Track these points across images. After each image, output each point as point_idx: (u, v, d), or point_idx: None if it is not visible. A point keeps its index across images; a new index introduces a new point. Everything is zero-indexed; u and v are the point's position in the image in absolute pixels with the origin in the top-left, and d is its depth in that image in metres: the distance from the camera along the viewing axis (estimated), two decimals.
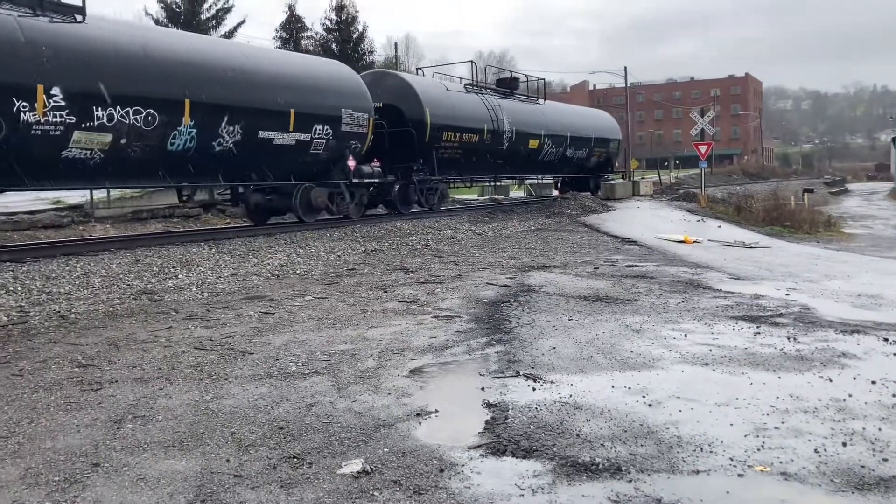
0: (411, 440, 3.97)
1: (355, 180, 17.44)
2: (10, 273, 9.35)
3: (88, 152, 11.58)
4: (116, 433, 4.10)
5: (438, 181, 21.18)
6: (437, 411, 4.45)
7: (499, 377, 5.17)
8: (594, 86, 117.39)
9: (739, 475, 3.48)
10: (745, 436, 3.98)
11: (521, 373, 5.26)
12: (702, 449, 3.80)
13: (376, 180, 18.39)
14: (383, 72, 22.79)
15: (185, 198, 15.62)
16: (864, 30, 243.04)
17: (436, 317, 7.38)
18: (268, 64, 15.54)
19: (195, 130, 13.21)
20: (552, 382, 5.02)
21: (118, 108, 11.79)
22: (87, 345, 6.27)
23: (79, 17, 11.69)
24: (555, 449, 3.81)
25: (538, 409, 4.46)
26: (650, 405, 4.52)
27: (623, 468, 3.55)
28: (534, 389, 4.87)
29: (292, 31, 41.05)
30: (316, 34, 42.41)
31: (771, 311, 7.64)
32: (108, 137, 11.75)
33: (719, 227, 20.57)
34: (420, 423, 4.24)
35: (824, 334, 6.50)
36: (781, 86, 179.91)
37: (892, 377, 5.06)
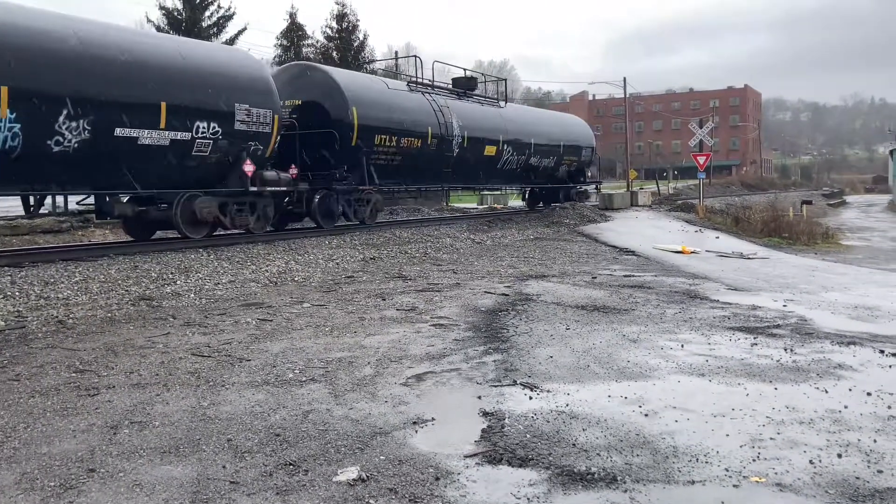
0: (407, 448, 3.97)
1: (253, 189, 14.88)
2: (9, 278, 9.36)
3: None
4: (113, 439, 4.10)
5: (371, 191, 18.56)
6: (433, 419, 4.45)
7: (496, 386, 5.18)
8: (594, 96, 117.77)
9: (735, 486, 3.48)
10: (741, 446, 3.99)
11: (517, 382, 5.26)
12: (697, 459, 3.80)
13: (283, 188, 15.77)
14: (307, 65, 19.75)
15: (31, 208, 12.83)
16: (862, 43, 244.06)
17: (434, 325, 7.39)
18: (130, 45, 12.81)
19: (18, 125, 10.86)
20: (549, 391, 5.03)
21: None
22: (84, 350, 6.28)
23: None
24: (551, 458, 3.81)
25: (534, 418, 4.46)
26: (646, 415, 4.52)
27: (619, 478, 3.56)
28: (530, 398, 4.88)
29: (293, 38, 41.18)
30: (317, 42, 42.54)
31: (768, 322, 7.65)
32: None
33: (717, 237, 20.60)
34: (416, 431, 4.24)
35: (821, 346, 6.51)
36: (780, 97, 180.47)
37: (887, 389, 5.07)
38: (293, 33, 41.46)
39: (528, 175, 26.26)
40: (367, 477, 3.56)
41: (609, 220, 24.67)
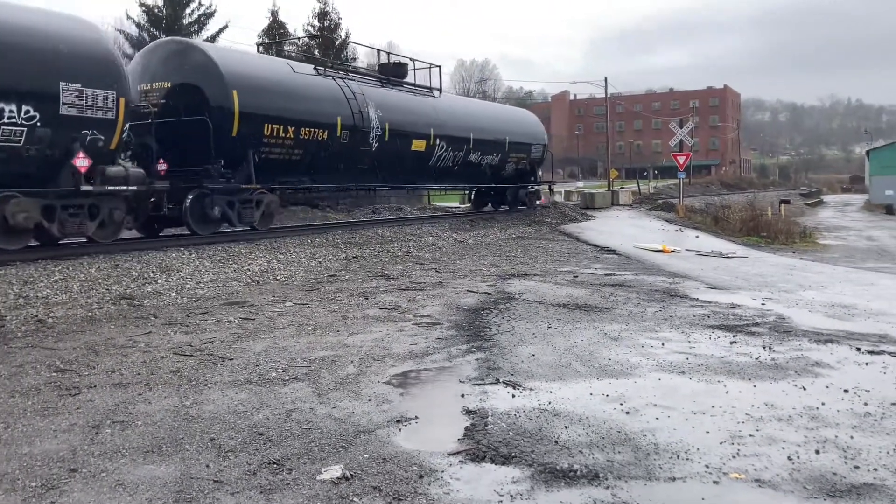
0: (391, 446, 3.99)
1: (86, 188, 11.96)
2: None
3: None
4: (95, 438, 4.08)
5: (262, 192, 15.55)
6: (417, 418, 4.47)
7: (479, 384, 5.21)
8: (575, 96, 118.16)
9: (715, 482, 3.53)
10: (721, 443, 4.04)
11: (500, 380, 5.30)
12: (678, 456, 3.85)
13: (131, 188, 12.80)
14: (182, 41, 16.44)
15: None
16: (839, 43, 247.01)
17: (417, 324, 7.40)
18: None
19: None
20: (531, 389, 5.07)
21: None
22: (65, 349, 6.23)
23: None
24: (533, 455, 3.85)
25: (517, 415, 4.49)
26: (628, 412, 4.57)
27: (601, 475, 3.59)
28: (513, 396, 4.91)
29: (274, 36, 40.93)
30: (298, 40, 42.33)
31: (747, 321, 7.75)
32: None
33: (697, 237, 20.78)
34: (400, 430, 4.26)
35: (798, 343, 6.60)
36: (759, 98, 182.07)
37: (863, 386, 5.15)
38: (274, 31, 41.23)
39: (468, 174, 23.61)
40: (351, 475, 3.57)
41: (590, 219, 24.81)
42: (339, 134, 17.04)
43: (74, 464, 3.72)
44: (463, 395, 4.94)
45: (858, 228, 34.78)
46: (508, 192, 25.95)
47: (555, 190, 31.73)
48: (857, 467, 3.71)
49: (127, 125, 12.95)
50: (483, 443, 4.03)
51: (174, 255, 11.94)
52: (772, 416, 4.52)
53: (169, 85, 14.74)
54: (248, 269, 11.26)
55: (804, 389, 5.10)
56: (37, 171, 11.58)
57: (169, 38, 15.90)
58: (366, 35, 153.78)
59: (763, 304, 8.97)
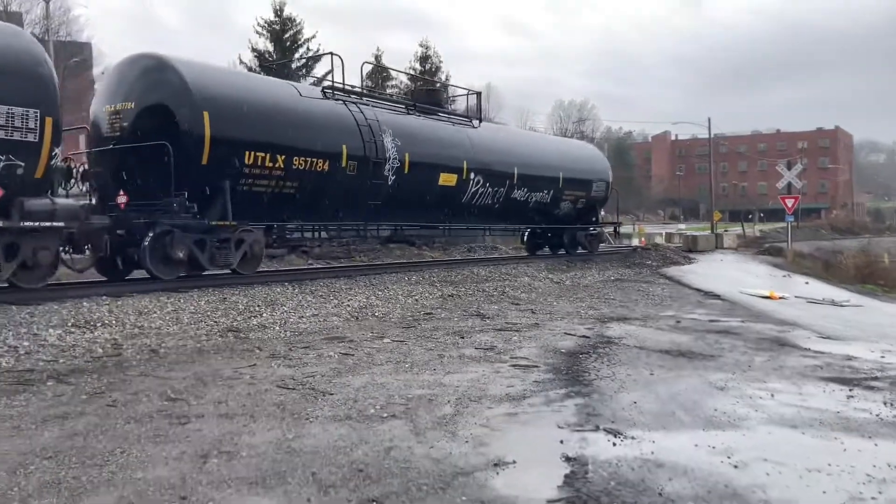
0: (489, 490, 3.94)
1: (2, 224, 10.45)
2: (107, 307, 9.79)
3: None
4: (202, 468, 4.22)
5: (245, 230, 13.59)
6: (514, 462, 4.41)
7: (578, 430, 5.10)
8: (676, 136, 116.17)
9: None
10: None
11: (601, 427, 5.17)
12: None
13: (56, 225, 11.00)
14: (151, 55, 13.59)
15: None
16: None
17: (513, 365, 7.35)
18: None
19: None
20: (633, 438, 4.92)
21: None
22: (175, 379, 6.50)
23: None
24: None
25: (619, 464, 4.37)
26: (735, 466, 4.37)
27: None
28: (614, 444, 4.78)
29: (378, 80, 42.23)
30: (400, 83, 43.54)
31: (864, 374, 7.31)
32: None
33: (807, 283, 19.86)
34: (498, 473, 4.21)
35: None
36: (874, 139, 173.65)
37: None
38: (378, 75, 42.56)
39: (512, 213, 21.21)
40: None
41: (693, 262, 24.14)
42: (344, 164, 15.05)
43: (184, 491, 3.84)
44: (562, 441, 4.84)
45: None
46: (566, 235, 23.82)
47: (620, 232, 29.01)
48: None
49: (55, 150, 11.42)
50: (583, 491, 3.93)
51: (278, 289, 12.34)
52: None
53: (132, 105, 13.03)
54: (348, 305, 11.49)
55: None
56: None
57: (140, 52, 13.76)
58: (466, 78, 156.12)
59: (882, 356, 8.45)
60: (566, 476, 4.19)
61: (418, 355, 7.83)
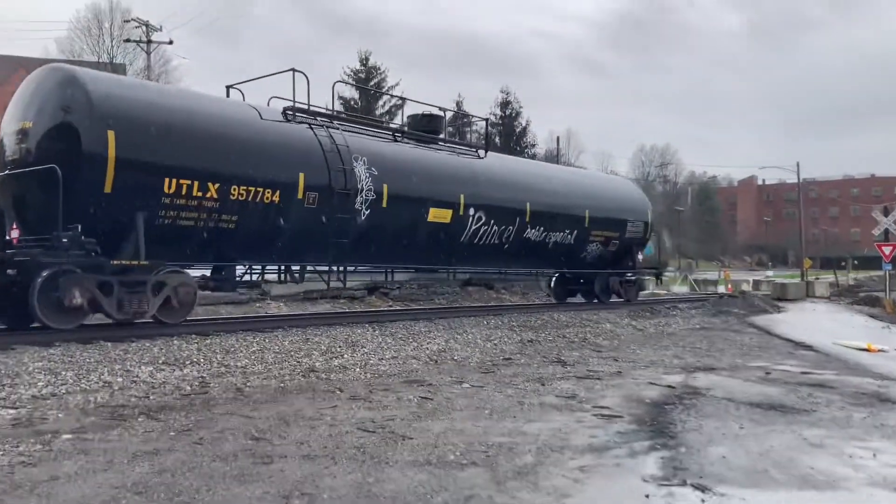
0: None
1: None
2: (196, 345, 10.11)
3: None
4: None
5: (171, 271, 11.75)
6: None
7: (664, 484, 4.92)
8: (763, 180, 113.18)
9: None
10: None
11: (688, 482, 4.98)
12: None
13: None
14: (62, 70, 12.03)
15: None
16: None
17: (595, 415, 7.18)
18: None
19: None
20: (723, 495, 4.71)
21: None
22: (259, 418, 6.61)
23: None
24: None
25: None
26: None
27: None
28: (703, 501, 4.59)
29: (459, 125, 42.88)
30: (482, 128, 44.08)
31: None
32: None
33: None
34: None
35: None
36: None
37: None
38: (459, 120, 43.21)
39: (526, 255, 18.98)
40: None
41: (782, 310, 23.26)
42: (300, 196, 13.16)
43: None
44: (647, 496, 4.68)
45: None
46: (597, 281, 21.49)
47: (664, 279, 26.61)
48: None
49: None
50: None
51: (359, 331, 12.49)
52: None
53: (31, 124, 11.46)
54: (427, 348, 11.52)
55: None
56: None
57: (49, 64, 12.40)
58: (547, 122, 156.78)
59: None
60: None
61: (498, 402, 7.75)
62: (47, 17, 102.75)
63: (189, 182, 11.73)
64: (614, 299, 21.96)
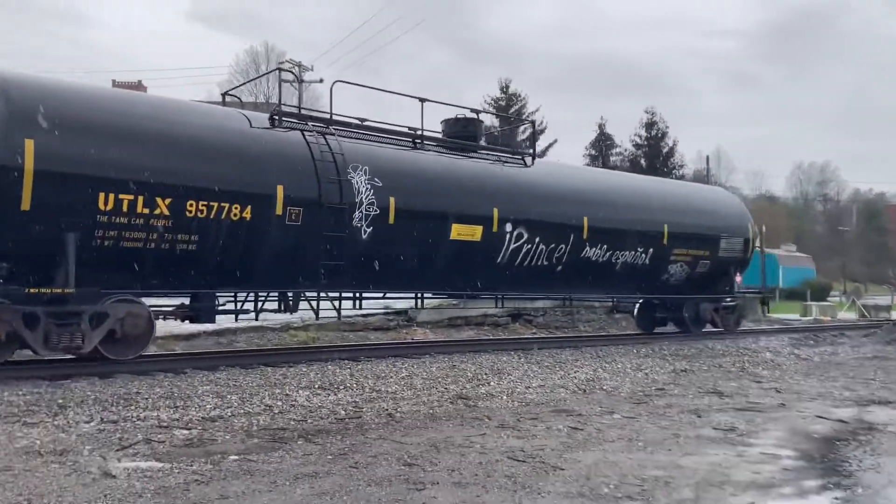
0: None
1: None
2: (348, 371, 10.47)
3: None
4: None
5: (111, 301, 10.20)
6: None
7: None
8: None
9: None
10: None
11: None
12: None
13: None
14: None
15: None
16: None
17: (758, 450, 6.77)
18: None
19: None
20: None
21: None
22: (410, 444, 6.72)
23: None
24: None
25: None
26: None
27: None
28: None
29: (601, 148, 42.35)
30: (625, 150, 43.31)
31: None
32: None
33: None
34: None
35: None
36: None
37: None
38: (601, 143, 42.69)
39: (588, 277, 16.43)
40: None
41: None
42: (278, 212, 11.50)
43: None
44: None
45: None
46: (685, 307, 18.54)
47: (769, 304, 23.42)
48: None
49: None
50: None
51: (504, 358, 12.51)
52: None
53: None
54: (575, 377, 11.33)
55: None
56: None
57: None
58: (694, 142, 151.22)
59: None
60: None
61: (651, 433, 7.48)
62: (206, 64, 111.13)
63: (131, 197, 10.22)
64: (705, 329, 19.20)
